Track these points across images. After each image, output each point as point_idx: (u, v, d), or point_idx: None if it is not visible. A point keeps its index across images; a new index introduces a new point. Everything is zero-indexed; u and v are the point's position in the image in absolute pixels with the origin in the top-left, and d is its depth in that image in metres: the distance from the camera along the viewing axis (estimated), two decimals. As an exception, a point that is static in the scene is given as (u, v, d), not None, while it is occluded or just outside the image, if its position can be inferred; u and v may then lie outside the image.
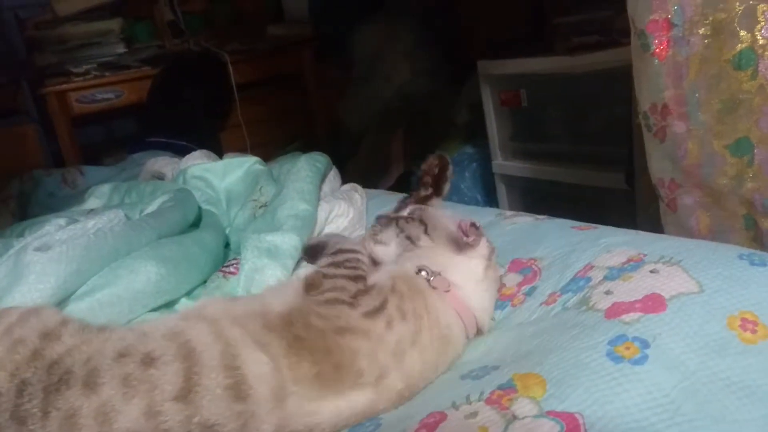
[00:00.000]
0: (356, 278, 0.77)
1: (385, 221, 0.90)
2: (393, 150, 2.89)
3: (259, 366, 0.63)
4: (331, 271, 0.78)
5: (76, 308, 0.89)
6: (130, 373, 0.61)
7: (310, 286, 0.76)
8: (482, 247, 0.83)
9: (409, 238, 0.85)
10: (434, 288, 0.78)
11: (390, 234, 0.87)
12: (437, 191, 1.01)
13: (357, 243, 0.90)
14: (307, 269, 1.02)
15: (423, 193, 1.01)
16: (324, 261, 0.84)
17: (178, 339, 0.65)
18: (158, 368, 0.61)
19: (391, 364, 0.68)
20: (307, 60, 3.06)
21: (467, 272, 0.81)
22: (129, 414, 0.58)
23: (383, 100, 2.85)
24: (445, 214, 0.91)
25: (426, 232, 0.85)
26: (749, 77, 0.87)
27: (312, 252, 1.02)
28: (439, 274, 0.79)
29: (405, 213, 0.93)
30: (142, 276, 0.98)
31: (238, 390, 0.61)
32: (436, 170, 1.01)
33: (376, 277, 0.79)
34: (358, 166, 2.72)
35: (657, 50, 0.94)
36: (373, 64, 2.90)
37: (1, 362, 0.63)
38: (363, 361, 0.67)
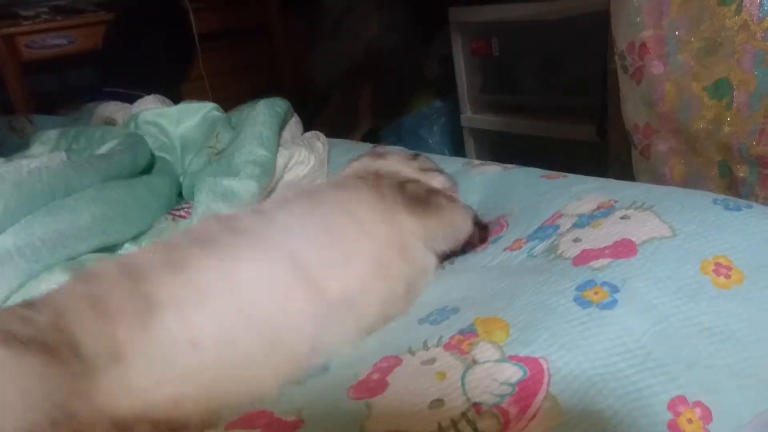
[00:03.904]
0: None
1: None
2: (361, 106, 2.82)
3: None
4: None
5: (13, 244, 0.82)
6: None
7: None
8: None
9: None
10: None
11: None
12: None
13: None
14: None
15: None
16: None
17: None
18: None
19: None
20: (273, 11, 2.94)
21: None
22: None
23: (352, 54, 2.77)
24: None
25: None
26: (733, 12, 0.82)
27: None
28: None
29: None
30: (86, 215, 0.91)
31: None
32: None
33: None
34: (325, 122, 2.65)
35: (637, -16, 0.88)
36: (342, 18, 2.81)
37: None
38: None
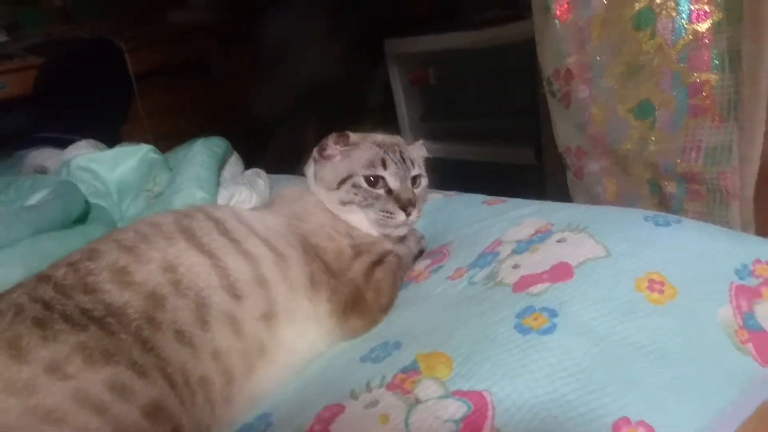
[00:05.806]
0: None
1: None
2: (308, 138, 2.80)
3: None
4: None
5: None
6: None
7: None
8: None
9: None
10: None
11: None
12: None
13: None
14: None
15: None
16: None
17: None
18: None
19: None
20: (211, 46, 2.91)
21: None
22: None
23: (296, 87, 2.76)
24: None
25: None
26: (649, 37, 0.85)
27: None
28: None
29: None
30: (19, 269, 0.86)
31: None
32: None
33: None
34: (272, 156, 2.63)
35: (558, 12, 0.91)
36: (284, 50, 2.80)
37: None
38: None
